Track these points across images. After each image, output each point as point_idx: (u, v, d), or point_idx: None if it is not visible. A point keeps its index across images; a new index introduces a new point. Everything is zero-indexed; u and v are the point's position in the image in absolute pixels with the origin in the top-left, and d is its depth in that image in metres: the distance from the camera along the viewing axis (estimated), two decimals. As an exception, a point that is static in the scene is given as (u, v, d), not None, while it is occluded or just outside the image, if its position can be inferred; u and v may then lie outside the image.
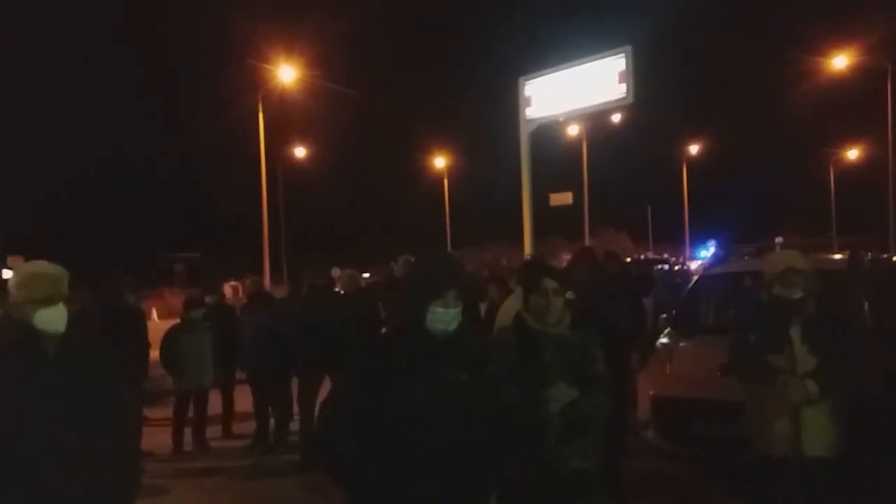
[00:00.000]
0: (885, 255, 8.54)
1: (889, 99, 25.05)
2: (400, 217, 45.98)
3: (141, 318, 8.11)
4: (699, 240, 41.25)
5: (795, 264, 4.20)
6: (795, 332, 4.10)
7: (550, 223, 32.43)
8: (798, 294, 4.17)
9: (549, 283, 3.25)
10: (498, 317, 5.29)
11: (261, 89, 21.61)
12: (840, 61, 26.99)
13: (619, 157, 43.89)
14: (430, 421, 2.52)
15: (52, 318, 2.79)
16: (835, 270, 6.91)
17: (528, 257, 9.97)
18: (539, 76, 14.50)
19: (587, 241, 32.19)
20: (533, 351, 3.18)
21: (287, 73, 21.62)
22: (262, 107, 21.16)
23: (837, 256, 9.22)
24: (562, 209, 20.37)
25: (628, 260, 25.03)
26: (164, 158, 44.92)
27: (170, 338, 7.90)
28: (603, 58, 13.31)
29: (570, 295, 5.08)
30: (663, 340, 6.51)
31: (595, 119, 30.83)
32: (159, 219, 41.83)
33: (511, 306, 4.78)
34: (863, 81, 28.18)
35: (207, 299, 8.32)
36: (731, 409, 4.47)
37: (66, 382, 2.76)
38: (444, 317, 2.59)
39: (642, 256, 31.71)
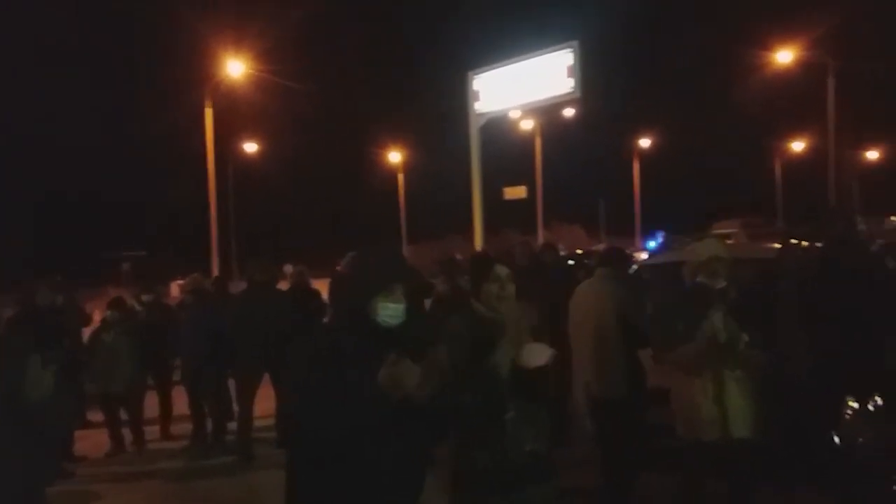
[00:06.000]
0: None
1: (830, 92, 25.70)
2: (354, 213, 45.52)
3: (71, 318, 7.87)
4: (651, 232, 41.84)
5: (719, 253, 4.26)
6: (718, 320, 4.14)
7: (505, 217, 32.62)
8: (721, 283, 4.23)
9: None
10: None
11: (209, 83, 21.17)
12: (784, 56, 27.60)
13: (573, 151, 44.17)
14: (373, 406, 2.49)
15: None
16: (769, 259, 7.05)
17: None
18: (487, 70, 14.50)
19: (541, 235, 32.40)
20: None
21: (235, 68, 21.21)
22: (210, 101, 20.69)
23: (776, 246, 9.35)
24: (516, 203, 20.47)
25: (579, 251, 25.34)
26: (110, 154, 43.64)
27: (89, 340, 7.79)
28: (550, 52, 13.36)
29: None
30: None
31: (548, 113, 31.04)
32: (105, 217, 40.67)
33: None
34: (806, 76, 28.88)
35: (145, 298, 8.12)
36: (663, 396, 4.51)
37: None
38: (389, 311, 2.61)
39: (592, 249, 32.09)
